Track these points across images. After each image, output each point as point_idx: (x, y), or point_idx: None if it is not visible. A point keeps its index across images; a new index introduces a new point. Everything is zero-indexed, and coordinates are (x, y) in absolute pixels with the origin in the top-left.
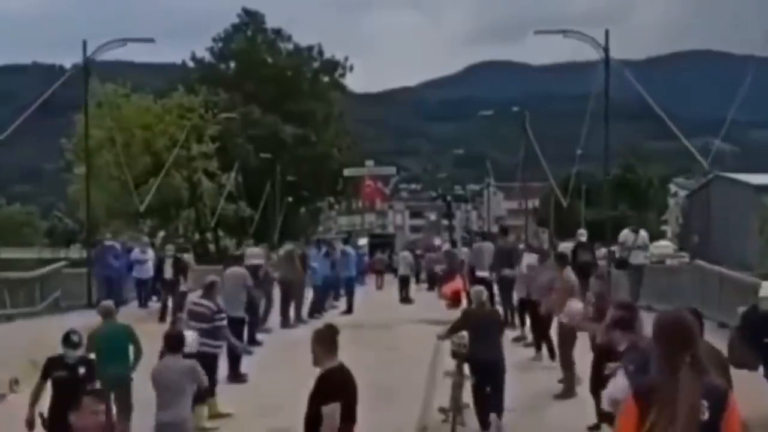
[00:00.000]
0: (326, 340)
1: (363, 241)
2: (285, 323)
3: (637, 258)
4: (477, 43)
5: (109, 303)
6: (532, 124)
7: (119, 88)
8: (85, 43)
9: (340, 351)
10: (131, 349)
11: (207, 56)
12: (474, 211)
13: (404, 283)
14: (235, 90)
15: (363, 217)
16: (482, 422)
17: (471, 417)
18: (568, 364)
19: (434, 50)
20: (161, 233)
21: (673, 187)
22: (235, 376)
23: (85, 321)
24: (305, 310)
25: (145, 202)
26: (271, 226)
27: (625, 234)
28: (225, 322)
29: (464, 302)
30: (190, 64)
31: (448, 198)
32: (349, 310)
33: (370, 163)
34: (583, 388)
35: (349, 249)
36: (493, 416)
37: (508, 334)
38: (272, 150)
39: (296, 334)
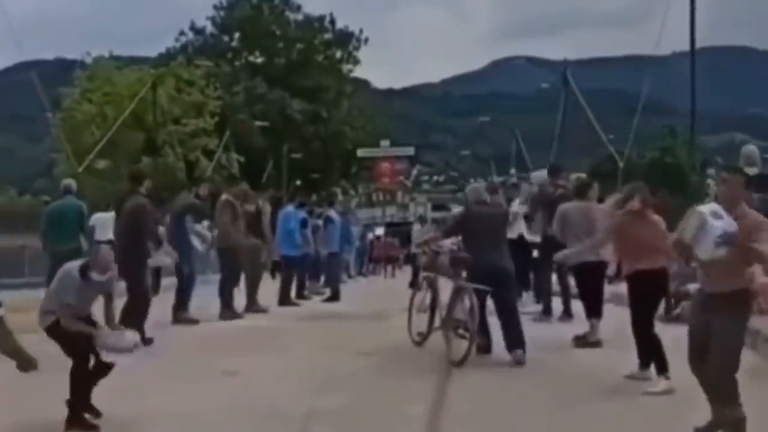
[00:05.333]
0: None
1: (380, 231)
2: (225, 311)
3: None
4: (502, 39)
5: (69, 181)
6: (556, 116)
7: (112, 62)
8: None
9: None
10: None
11: (208, 26)
12: None
13: (415, 263)
14: (238, 63)
15: (384, 210)
16: (484, 340)
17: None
18: (728, 391)
19: (459, 46)
20: None
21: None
22: None
23: None
24: (267, 295)
25: (83, 164)
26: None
27: None
28: None
29: None
30: (189, 34)
31: (472, 180)
32: (334, 296)
33: (385, 143)
34: None
35: (333, 214)
36: (517, 352)
37: (563, 330)
38: (279, 128)
39: (231, 330)
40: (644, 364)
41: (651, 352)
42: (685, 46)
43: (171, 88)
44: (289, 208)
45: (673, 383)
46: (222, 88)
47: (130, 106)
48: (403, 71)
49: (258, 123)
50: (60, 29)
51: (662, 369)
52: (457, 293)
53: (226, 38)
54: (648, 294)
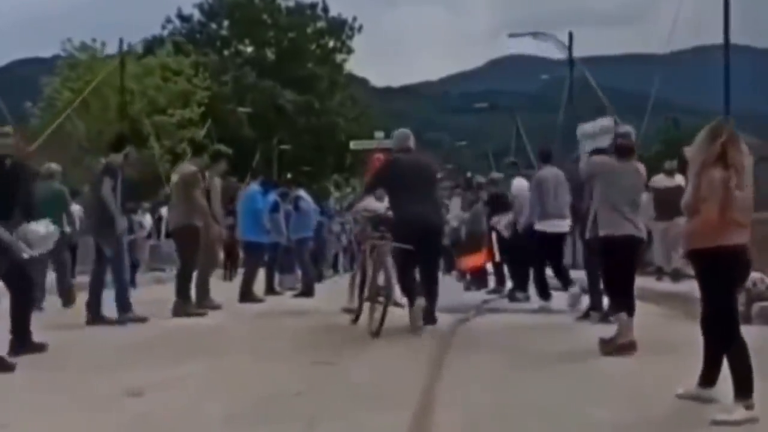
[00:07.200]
0: None
1: None
2: (177, 307)
3: None
4: (500, 37)
5: (50, 165)
6: (557, 115)
7: (96, 51)
8: None
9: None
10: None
11: (196, 13)
12: None
13: None
14: (227, 52)
15: None
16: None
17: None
18: None
19: (458, 45)
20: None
21: None
22: None
23: None
24: (229, 288)
25: (34, 145)
26: None
27: None
28: None
29: (491, 282)
30: (176, 22)
31: (468, 174)
32: (307, 291)
33: (380, 135)
34: None
35: (303, 193)
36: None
37: (586, 332)
38: (270, 119)
39: (165, 331)
40: (708, 381)
41: (736, 366)
42: (684, 45)
43: (157, 78)
44: (254, 186)
45: (756, 413)
46: (210, 78)
47: (109, 93)
48: (402, 70)
49: (241, 109)
50: (59, 27)
51: (747, 392)
52: (379, 259)
53: (214, 26)
54: (737, 279)
